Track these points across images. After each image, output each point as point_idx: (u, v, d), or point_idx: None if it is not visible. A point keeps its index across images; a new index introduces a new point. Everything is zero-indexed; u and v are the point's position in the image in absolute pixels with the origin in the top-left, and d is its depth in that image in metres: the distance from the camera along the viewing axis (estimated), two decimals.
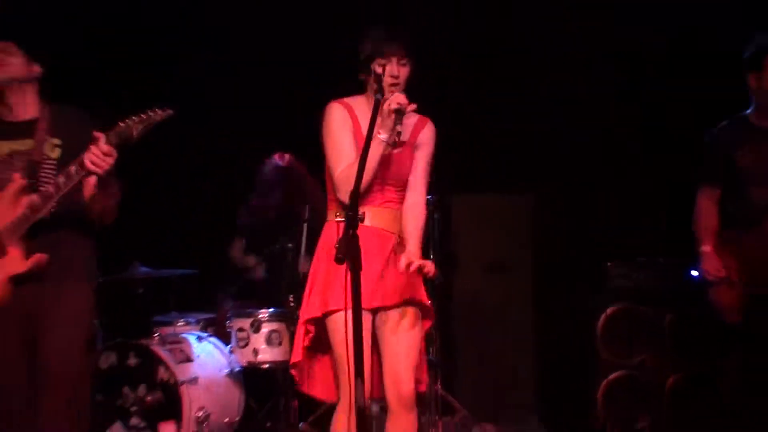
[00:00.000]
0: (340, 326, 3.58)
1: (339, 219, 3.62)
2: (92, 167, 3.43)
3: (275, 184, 5.93)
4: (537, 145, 6.21)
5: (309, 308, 3.76)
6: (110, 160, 3.43)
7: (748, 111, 4.43)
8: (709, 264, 4.47)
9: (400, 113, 3.54)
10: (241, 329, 5.50)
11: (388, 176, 3.80)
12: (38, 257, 3.62)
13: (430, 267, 3.66)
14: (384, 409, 4.31)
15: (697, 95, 5.44)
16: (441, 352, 5.75)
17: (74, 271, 3.75)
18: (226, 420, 5.47)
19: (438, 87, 5.76)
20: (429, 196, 5.31)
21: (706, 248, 4.51)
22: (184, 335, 5.60)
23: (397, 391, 3.78)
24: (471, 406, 5.68)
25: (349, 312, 3.38)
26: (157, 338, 5.40)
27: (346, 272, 3.25)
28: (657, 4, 5.88)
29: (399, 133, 3.64)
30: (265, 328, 5.43)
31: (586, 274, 5.66)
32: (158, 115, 3.46)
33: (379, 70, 3.63)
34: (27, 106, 3.76)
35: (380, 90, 3.58)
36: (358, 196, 3.35)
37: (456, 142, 5.00)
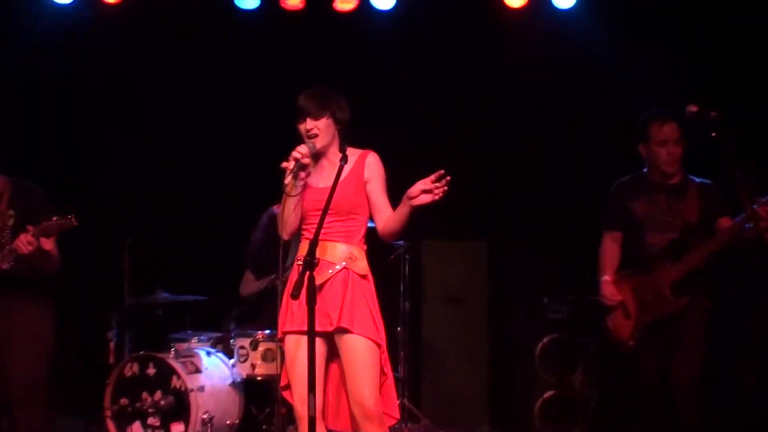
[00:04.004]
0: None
1: (299, 262, 3.83)
2: (20, 249, 4.34)
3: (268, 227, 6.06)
4: (491, 200, 6.60)
5: None
6: (31, 247, 4.31)
7: (645, 169, 4.74)
8: (606, 290, 4.71)
9: (297, 162, 3.74)
10: (242, 347, 5.81)
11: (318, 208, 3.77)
12: None
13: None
14: None
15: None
16: (408, 370, 6.10)
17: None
18: (228, 422, 5.77)
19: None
20: (401, 242, 5.88)
21: (606, 278, 4.73)
22: (196, 350, 5.86)
23: None
24: (432, 415, 5.99)
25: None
26: (173, 352, 5.75)
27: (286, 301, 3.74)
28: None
29: (303, 175, 3.79)
30: (262, 347, 5.75)
31: (527, 306, 6.01)
32: (70, 222, 4.32)
33: (300, 127, 3.89)
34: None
35: (304, 141, 3.87)
36: (315, 245, 3.53)
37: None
